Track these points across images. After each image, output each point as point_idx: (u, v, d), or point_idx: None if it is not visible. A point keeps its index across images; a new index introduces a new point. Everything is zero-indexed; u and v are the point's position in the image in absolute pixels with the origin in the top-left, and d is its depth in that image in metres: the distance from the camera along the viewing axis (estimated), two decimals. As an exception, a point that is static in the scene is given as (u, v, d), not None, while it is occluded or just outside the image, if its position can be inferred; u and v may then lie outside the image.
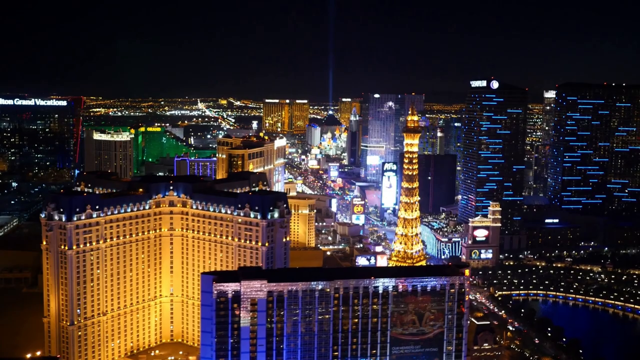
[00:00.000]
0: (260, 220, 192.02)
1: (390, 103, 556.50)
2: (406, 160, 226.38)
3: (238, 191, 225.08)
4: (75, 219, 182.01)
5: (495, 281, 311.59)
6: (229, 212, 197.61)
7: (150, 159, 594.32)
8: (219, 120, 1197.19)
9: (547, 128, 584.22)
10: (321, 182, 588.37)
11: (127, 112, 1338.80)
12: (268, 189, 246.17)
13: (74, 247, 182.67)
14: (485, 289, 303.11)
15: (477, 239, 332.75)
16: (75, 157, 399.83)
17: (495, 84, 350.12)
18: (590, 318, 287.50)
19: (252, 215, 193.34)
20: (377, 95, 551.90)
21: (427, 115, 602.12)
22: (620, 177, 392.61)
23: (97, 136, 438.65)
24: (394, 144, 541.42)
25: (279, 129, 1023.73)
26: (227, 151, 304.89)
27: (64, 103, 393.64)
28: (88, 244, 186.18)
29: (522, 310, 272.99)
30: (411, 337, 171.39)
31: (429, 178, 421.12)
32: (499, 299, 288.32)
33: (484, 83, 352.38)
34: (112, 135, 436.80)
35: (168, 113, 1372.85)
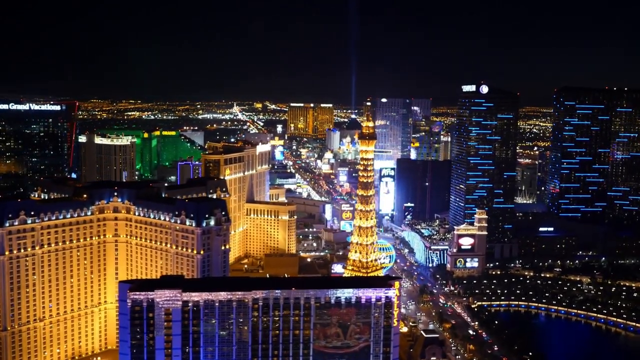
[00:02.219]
0: (195, 228, 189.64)
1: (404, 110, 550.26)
2: (361, 168, 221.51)
3: (192, 197, 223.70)
4: (7, 224, 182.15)
5: (477, 291, 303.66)
6: (167, 219, 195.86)
7: (166, 163, 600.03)
8: (248, 124, 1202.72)
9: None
10: (331, 186, 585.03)
11: (160, 116, 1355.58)
12: (227, 196, 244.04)
13: (7, 252, 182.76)
14: (464, 298, 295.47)
15: (463, 247, 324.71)
16: (70, 161, 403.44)
17: (484, 89, 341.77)
18: (570, 331, 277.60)
19: (187, 223, 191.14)
20: (384, 100, 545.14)
21: (432, 118, 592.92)
22: (621, 184, 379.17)
23: (98, 140, 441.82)
24: (401, 149, 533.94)
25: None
26: (204, 156, 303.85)
27: (58, 107, 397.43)
28: (22, 250, 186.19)
29: (496, 322, 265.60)
30: (335, 351, 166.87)
31: (427, 184, 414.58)
32: (475, 309, 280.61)
33: (473, 87, 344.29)
34: (112, 140, 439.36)
35: (200, 116, 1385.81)
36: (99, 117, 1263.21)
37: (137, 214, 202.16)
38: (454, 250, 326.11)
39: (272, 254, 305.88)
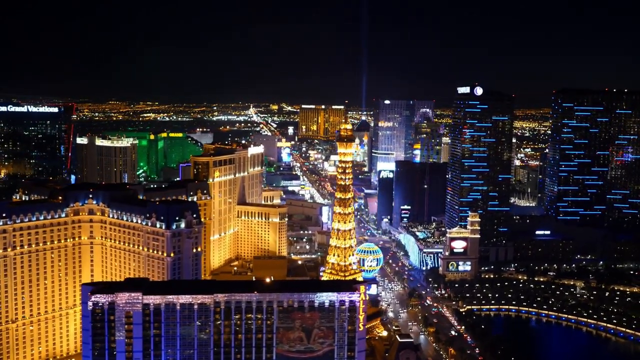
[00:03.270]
0: (165, 230, 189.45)
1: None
2: (340, 170, 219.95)
3: (171, 199, 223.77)
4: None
5: (467, 295, 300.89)
6: (139, 221, 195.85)
7: (172, 165, 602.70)
8: (261, 126, 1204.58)
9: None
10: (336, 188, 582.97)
11: (175, 117, 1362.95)
12: (209, 199, 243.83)
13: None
14: (454, 302, 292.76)
15: (455, 250, 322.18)
16: (67, 163, 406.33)
17: (479, 90, 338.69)
18: (559, 336, 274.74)
19: (157, 225, 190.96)
20: (387, 102, 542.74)
21: (435, 120, 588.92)
22: (621, 187, 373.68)
23: (99, 142, 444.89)
24: (404, 151, 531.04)
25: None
26: (193, 158, 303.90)
27: (56, 110, 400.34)
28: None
29: (482, 326, 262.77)
30: (298, 355, 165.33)
31: (425, 187, 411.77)
32: (463, 313, 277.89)
33: (467, 89, 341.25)
34: (112, 142, 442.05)
35: (215, 118, 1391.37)
36: (114, 118, 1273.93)
37: (111, 216, 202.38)
38: (446, 253, 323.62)
39: (260, 257, 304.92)
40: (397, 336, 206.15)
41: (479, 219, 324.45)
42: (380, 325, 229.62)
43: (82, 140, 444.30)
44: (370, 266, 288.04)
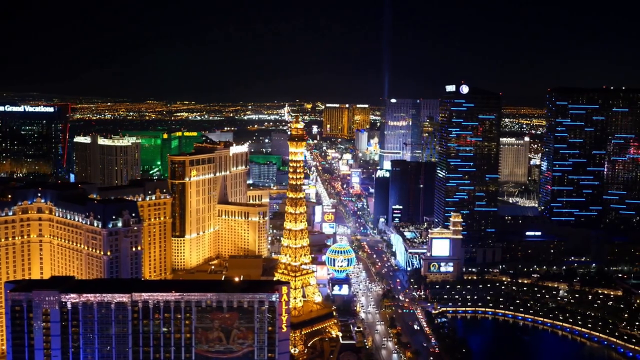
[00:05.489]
0: (101, 229, 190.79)
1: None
2: (291, 170, 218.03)
3: (129, 198, 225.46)
4: None
5: (445, 296, 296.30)
6: (80, 220, 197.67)
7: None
8: (289, 125, 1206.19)
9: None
10: (346, 187, 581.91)
11: (208, 116, 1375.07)
12: (167, 197, 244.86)
13: None
14: (429, 304, 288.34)
15: (437, 251, 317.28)
16: (63, 162, 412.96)
17: (465, 89, 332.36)
18: (532, 339, 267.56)
19: (95, 224, 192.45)
20: (393, 100, 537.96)
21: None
22: (618, 188, 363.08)
23: (101, 141, 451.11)
24: (410, 150, 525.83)
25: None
26: (170, 157, 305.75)
27: (51, 109, 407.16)
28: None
29: (451, 328, 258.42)
30: (218, 355, 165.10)
31: (421, 186, 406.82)
32: (434, 315, 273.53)
33: (453, 87, 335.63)
34: (113, 141, 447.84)
35: (246, 117, 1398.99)
36: (147, 117, 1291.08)
37: (57, 214, 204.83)
38: (428, 254, 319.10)
39: (236, 256, 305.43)
40: (340, 338, 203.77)
41: (461, 220, 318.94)
42: (334, 326, 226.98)
43: (85, 140, 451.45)
44: (341, 266, 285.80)
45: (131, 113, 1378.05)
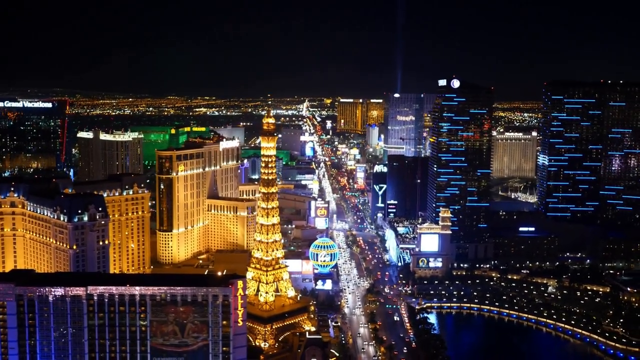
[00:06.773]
0: (67, 223, 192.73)
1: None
2: (263, 165, 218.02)
3: (105, 194, 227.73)
4: None
5: (432, 292, 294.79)
6: (49, 214, 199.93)
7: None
8: (305, 120, 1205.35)
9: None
10: (352, 182, 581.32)
11: (225, 112, 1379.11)
12: (145, 192, 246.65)
13: None
14: (414, 300, 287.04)
15: (426, 246, 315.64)
16: (62, 157, 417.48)
17: (456, 83, 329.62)
18: (516, 336, 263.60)
19: (61, 218, 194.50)
20: (397, 95, 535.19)
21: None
22: (615, 183, 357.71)
23: (102, 137, 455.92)
24: (414, 145, 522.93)
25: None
26: (157, 152, 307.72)
27: (50, 105, 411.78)
28: None
29: (431, 324, 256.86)
30: (173, 349, 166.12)
31: (418, 181, 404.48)
32: (416, 310, 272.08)
33: (445, 82, 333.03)
34: (115, 136, 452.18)
35: (264, 112, 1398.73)
36: (165, 113, 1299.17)
37: (29, 209, 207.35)
38: (417, 249, 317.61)
39: (223, 250, 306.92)
40: (307, 333, 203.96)
41: (450, 215, 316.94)
42: (308, 321, 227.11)
43: (88, 135, 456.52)
44: (324, 261, 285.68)
45: (150, 108, 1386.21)
